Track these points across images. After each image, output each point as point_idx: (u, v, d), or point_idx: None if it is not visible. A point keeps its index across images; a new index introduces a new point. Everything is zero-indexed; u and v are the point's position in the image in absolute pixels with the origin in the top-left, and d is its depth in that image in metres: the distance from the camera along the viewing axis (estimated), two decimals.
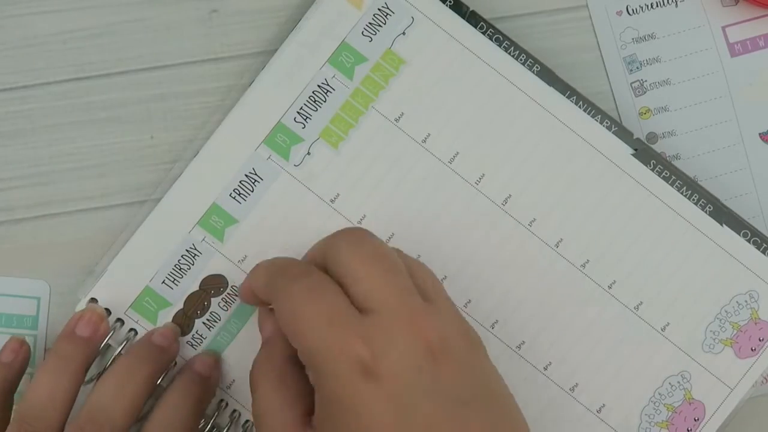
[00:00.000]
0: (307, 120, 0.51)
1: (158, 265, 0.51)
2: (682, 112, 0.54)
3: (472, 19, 0.51)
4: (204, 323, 0.51)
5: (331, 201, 0.51)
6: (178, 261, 0.51)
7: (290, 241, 0.51)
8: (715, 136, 0.54)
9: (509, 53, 0.51)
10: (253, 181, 0.51)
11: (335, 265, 0.42)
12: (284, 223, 0.51)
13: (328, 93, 0.51)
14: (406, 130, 0.51)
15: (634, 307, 0.51)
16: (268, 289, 0.44)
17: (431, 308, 0.41)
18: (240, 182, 0.51)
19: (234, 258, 0.51)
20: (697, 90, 0.54)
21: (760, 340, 0.51)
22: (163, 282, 0.51)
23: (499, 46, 0.51)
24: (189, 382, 0.49)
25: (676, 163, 0.53)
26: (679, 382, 0.51)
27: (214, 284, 0.51)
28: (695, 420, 0.51)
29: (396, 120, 0.51)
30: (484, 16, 0.52)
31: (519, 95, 0.51)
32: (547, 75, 0.51)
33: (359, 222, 0.51)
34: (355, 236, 0.43)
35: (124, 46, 0.53)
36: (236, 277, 0.51)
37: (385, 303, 0.40)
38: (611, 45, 0.54)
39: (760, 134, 0.54)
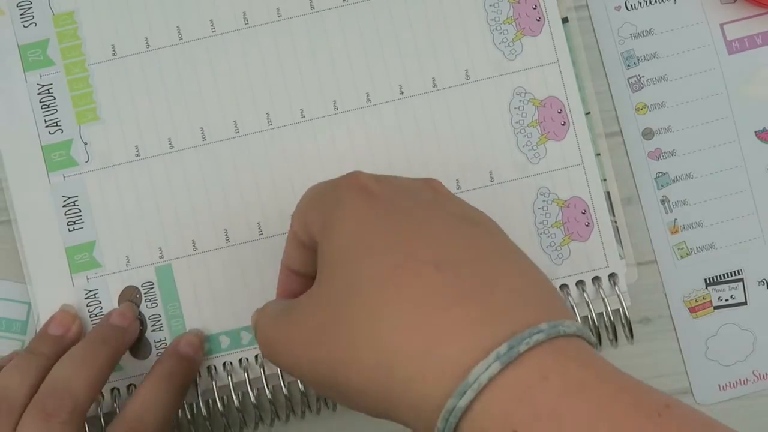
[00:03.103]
0: (58, 123, 0.51)
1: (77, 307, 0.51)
2: (678, 108, 0.54)
3: None
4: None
5: (137, 156, 0.51)
6: (87, 307, 0.51)
7: (153, 219, 0.51)
8: (711, 133, 0.53)
9: None
10: (72, 203, 0.50)
11: None
12: (133, 210, 0.51)
13: (50, 89, 0.51)
14: (125, 55, 0.51)
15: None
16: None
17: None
18: (65, 214, 0.50)
19: (119, 268, 0.51)
20: (694, 87, 0.53)
21: (559, 112, 0.51)
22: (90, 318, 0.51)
23: None
24: (173, 362, 0.49)
25: (671, 159, 0.53)
26: (545, 201, 0.51)
27: (131, 295, 0.51)
28: (583, 213, 0.51)
29: (113, 54, 0.51)
30: None
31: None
32: None
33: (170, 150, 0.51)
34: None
35: None
36: (129, 281, 0.51)
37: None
38: (609, 40, 0.53)
39: (755, 132, 0.54)
